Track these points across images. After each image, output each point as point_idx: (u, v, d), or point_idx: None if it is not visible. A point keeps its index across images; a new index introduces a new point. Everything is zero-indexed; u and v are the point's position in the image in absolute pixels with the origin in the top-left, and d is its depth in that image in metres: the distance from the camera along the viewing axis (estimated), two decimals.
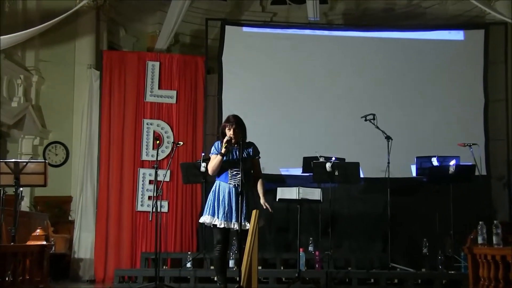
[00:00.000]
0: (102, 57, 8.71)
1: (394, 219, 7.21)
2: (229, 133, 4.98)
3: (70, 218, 8.70)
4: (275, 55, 8.95)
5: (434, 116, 8.77)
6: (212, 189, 5.10)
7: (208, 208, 5.02)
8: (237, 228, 4.84)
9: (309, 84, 8.91)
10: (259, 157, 5.14)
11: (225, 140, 4.96)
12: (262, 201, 5.06)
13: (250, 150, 5.09)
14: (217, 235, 5.00)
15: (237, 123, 5.03)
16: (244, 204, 4.93)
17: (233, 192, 4.98)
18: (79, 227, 8.41)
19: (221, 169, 5.04)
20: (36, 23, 8.37)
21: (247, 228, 4.88)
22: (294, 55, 8.96)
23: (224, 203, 4.97)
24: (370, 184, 8.22)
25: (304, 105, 8.84)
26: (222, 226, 4.92)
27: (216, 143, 5.13)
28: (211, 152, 5.10)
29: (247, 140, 5.13)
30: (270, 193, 7.38)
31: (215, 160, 4.99)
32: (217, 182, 5.08)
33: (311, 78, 8.92)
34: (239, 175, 4.93)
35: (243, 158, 4.98)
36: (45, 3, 8.79)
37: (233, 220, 4.92)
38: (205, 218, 5.01)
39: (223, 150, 4.95)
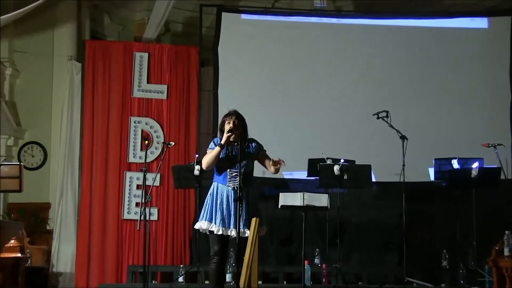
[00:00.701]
0: (84, 48, 8.70)
1: (410, 228, 7.21)
2: (229, 126, 4.99)
3: (48, 228, 8.69)
4: (277, 45, 8.94)
5: (454, 113, 8.75)
6: (209, 192, 5.11)
7: (205, 213, 5.03)
8: (235, 235, 4.85)
9: (315, 77, 8.91)
10: (265, 150, 5.16)
11: (227, 128, 4.97)
12: (271, 162, 5.01)
13: (253, 146, 5.11)
14: (214, 245, 5.00)
15: (238, 116, 5.08)
16: (244, 210, 4.94)
17: (232, 196, 4.98)
18: (58, 237, 8.41)
19: (220, 169, 5.05)
20: (10, 9, 8.34)
21: (246, 236, 4.88)
22: (298, 46, 8.96)
23: (222, 207, 4.99)
24: (383, 189, 8.25)
25: (310, 101, 8.85)
26: (220, 232, 4.93)
27: (215, 139, 5.17)
28: (209, 147, 5.11)
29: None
30: (271, 199, 7.54)
31: (212, 152, 5.00)
32: (214, 184, 5.09)
33: (317, 71, 8.92)
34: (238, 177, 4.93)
35: (246, 154, 5.01)
36: None
37: (231, 226, 4.94)
38: (201, 224, 5.02)
39: (223, 140, 4.96)
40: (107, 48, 8.78)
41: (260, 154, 5.13)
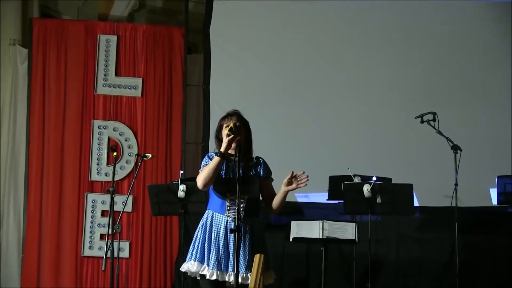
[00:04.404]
0: (32, 29, 8.74)
1: (465, 267, 7.24)
2: (226, 131, 4.95)
3: None
4: (288, 27, 8.97)
5: None
6: (200, 223, 5.09)
7: (195, 251, 5.01)
8: (234, 281, 4.83)
9: (336, 69, 8.95)
10: (272, 179, 5.17)
11: (226, 131, 4.95)
12: (286, 180, 4.96)
13: (260, 168, 5.13)
14: None
15: (240, 118, 5.10)
16: (248, 247, 4.97)
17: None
18: None
19: (217, 192, 5.05)
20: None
21: (248, 283, 4.86)
22: (315, 27, 8.97)
23: (218, 244, 4.97)
24: (428, 216, 8.31)
25: (330, 101, 8.87)
26: (214, 277, 4.90)
27: (210, 153, 5.14)
28: (203, 163, 5.08)
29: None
30: (280, 229, 7.50)
31: (211, 164, 4.95)
32: (208, 212, 5.07)
33: (339, 60, 8.97)
34: (242, 205, 4.95)
35: (250, 178, 5.04)
36: None
37: (230, 269, 4.91)
38: (190, 266, 4.99)
39: (224, 145, 4.91)
40: (63, 29, 8.81)
41: (268, 181, 5.12)
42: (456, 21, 8.98)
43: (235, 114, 5.12)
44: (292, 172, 4.95)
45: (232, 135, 4.92)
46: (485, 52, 8.92)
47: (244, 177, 4.98)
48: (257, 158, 5.17)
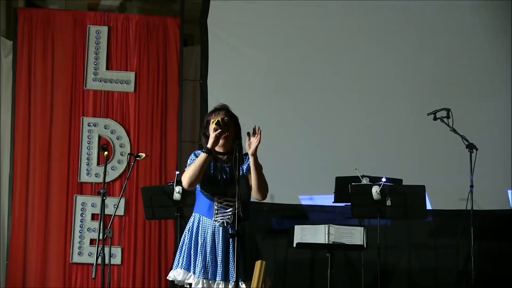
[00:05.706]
0: (17, 19, 8.74)
1: (482, 276, 7.24)
2: (213, 125, 4.91)
3: None
4: (292, 16, 8.95)
5: None
6: (187, 227, 5.09)
7: (181, 257, 5.03)
8: None
9: (343, 63, 8.94)
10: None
11: (213, 126, 4.92)
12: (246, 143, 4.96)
13: (244, 165, 5.08)
14: None
15: (229, 113, 5.08)
16: (240, 254, 4.89)
17: (221, 235, 4.96)
18: None
19: (204, 195, 5.04)
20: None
21: None
22: (322, 17, 8.98)
23: (205, 251, 4.97)
24: (442, 220, 8.32)
25: (334, 98, 8.87)
26: (200, 286, 4.92)
27: (196, 151, 5.13)
28: (189, 161, 5.07)
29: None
30: (282, 234, 7.66)
31: (197, 161, 4.95)
32: (195, 216, 5.08)
33: (347, 54, 8.96)
34: (230, 208, 4.95)
35: (240, 177, 4.97)
36: None
37: (218, 278, 4.93)
38: (176, 274, 5.01)
39: (211, 141, 4.91)
40: (50, 19, 8.78)
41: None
42: (458, 19, 9.02)
43: (223, 109, 5.11)
44: (248, 133, 4.93)
45: (220, 129, 4.92)
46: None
47: (232, 179, 4.95)
48: (246, 154, 5.10)
